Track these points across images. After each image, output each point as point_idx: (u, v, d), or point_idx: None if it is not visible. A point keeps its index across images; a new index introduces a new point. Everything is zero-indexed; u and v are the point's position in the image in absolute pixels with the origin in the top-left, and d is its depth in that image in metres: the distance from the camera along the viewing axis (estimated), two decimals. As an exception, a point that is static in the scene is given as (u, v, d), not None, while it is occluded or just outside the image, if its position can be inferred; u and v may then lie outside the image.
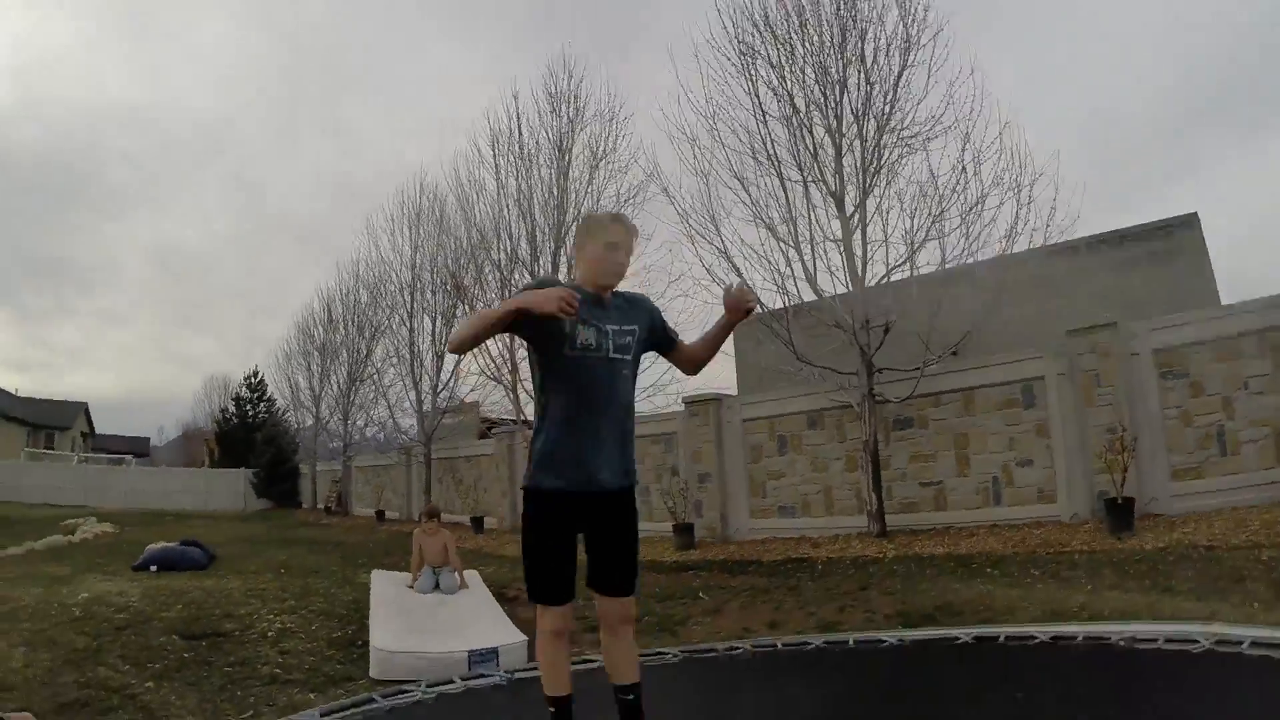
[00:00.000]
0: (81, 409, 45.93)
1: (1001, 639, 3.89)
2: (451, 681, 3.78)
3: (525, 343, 2.22)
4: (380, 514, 20.36)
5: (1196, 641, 3.34)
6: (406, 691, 3.74)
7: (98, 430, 48.70)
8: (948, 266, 8.96)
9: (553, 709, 2.13)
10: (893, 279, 9.28)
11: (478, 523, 15.25)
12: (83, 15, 74.33)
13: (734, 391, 12.71)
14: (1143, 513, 7.45)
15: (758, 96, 9.79)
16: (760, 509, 10.62)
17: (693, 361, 2.40)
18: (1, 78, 72.65)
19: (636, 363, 2.29)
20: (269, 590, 7.17)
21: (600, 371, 2.14)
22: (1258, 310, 7.52)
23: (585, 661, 3.55)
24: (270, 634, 5.50)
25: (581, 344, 2.12)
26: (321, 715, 3.43)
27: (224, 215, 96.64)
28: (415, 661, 4.51)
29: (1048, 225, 8.39)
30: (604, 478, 2.12)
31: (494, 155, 13.91)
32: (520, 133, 13.55)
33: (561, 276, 12.87)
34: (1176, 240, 13.70)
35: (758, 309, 2.20)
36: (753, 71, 9.83)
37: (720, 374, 29.79)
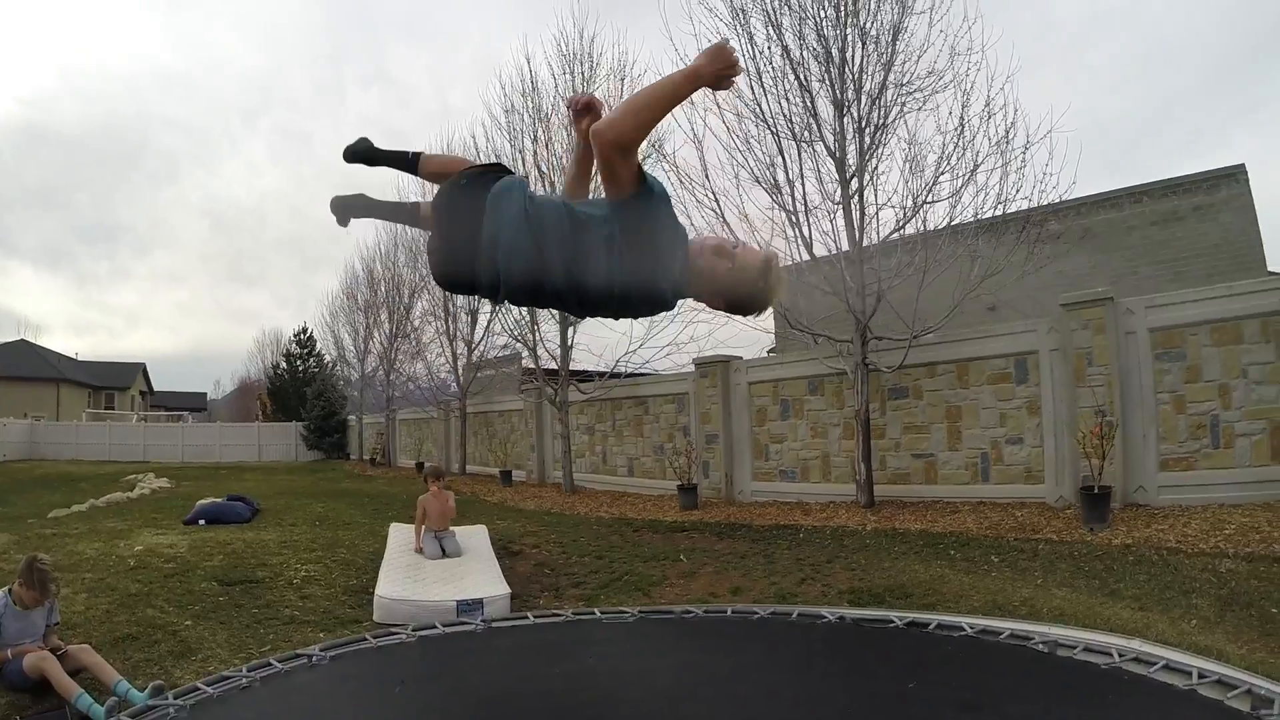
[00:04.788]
0: (140, 369, 48.53)
1: (931, 627, 4.13)
2: (434, 627, 4.41)
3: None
4: (420, 465, 21.47)
5: (1109, 655, 3.48)
6: (395, 633, 4.39)
7: (156, 388, 51.51)
8: (954, 225, 8.62)
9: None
10: (902, 234, 8.94)
11: (506, 476, 16.17)
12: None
13: (747, 355, 12.95)
14: (1128, 501, 7.33)
15: (753, 45, 9.43)
16: (763, 472, 10.91)
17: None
18: (43, 59, 75.18)
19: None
20: (301, 541, 7.93)
21: None
22: (1262, 291, 7.02)
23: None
24: (295, 581, 6.22)
25: None
26: (322, 650, 4.10)
27: (272, 170, 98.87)
28: (410, 608, 5.18)
29: (1039, 192, 8.09)
30: None
31: (506, 120, 14.17)
32: (535, 92, 13.77)
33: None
34: (1221, 194, 13.07)
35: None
36: (746, 29, 9.49)
37: (734, 336, 29.72)
